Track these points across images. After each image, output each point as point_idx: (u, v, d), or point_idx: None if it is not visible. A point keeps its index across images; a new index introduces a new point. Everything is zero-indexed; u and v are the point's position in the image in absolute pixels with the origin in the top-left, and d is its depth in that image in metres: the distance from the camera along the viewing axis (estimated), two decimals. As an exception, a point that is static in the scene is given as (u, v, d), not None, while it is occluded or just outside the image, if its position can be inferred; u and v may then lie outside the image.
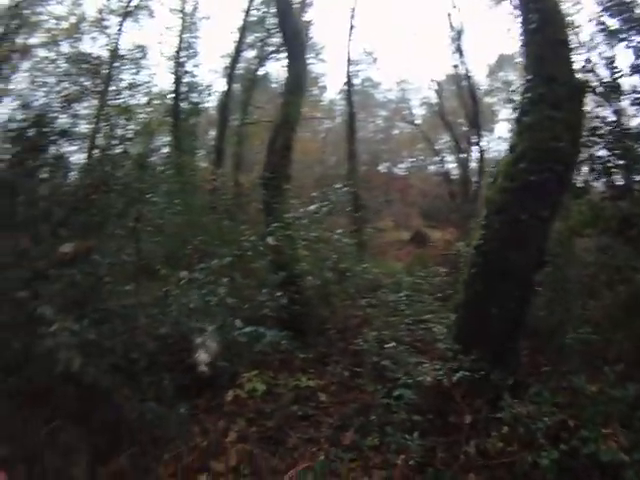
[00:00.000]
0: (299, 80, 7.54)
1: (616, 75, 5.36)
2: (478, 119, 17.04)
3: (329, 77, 32.87)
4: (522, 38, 4.76)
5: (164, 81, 19.87)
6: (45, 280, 3.74)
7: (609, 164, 5.14)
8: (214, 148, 14.90)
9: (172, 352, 4.39)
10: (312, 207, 6.41)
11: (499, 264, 4.19)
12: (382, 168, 25.16)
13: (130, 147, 6.01)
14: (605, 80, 5.41)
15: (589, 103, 5.28)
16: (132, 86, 15.39)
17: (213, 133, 16.97)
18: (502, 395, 3.57)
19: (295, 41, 7.88)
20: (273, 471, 3.58)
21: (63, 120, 5.32)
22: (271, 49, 16.66)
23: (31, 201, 4.54)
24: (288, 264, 5.72)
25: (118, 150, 5.68)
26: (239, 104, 16.24)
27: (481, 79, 21.72)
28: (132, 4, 15.57)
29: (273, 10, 15.38)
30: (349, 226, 7.13)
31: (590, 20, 6.22)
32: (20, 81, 16.55)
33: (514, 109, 5.02)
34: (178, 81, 14.74)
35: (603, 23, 5.83)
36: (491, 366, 3.75)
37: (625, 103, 5.37)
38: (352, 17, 16.67)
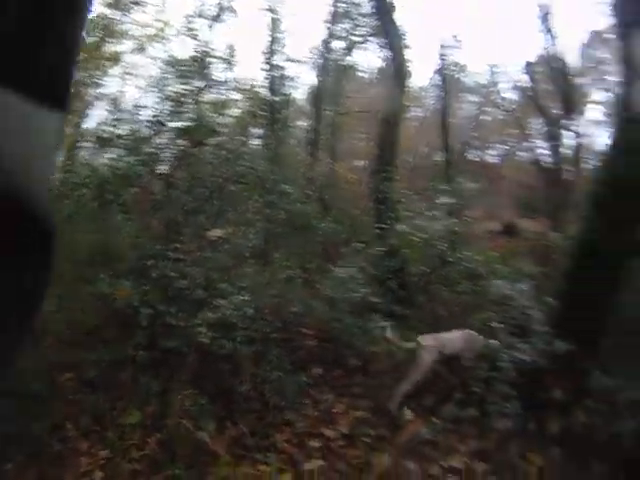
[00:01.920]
0: (401, 71, 7.65)
1: None
2: (571, 102, 16.39)
3: (414, 63, 32.41)
4: (617, 30, 4.82)
5: (255, 76, 20.89)
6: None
7: None
8: (309, 139, 15.44)
9: (288, 330, 4.86)
10: (441, 200, 6.69)
11: (596, 254, 4.43)
12: (473, 156, 24.72)
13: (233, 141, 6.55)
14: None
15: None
16: (225, 83, 16.42)
17: (304, 124, 17.53)
18: (591, 374, 3.83)
19: (393, 32, 7.96)
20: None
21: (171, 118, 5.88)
22: (358, 39, 16.97)
23: (165, 191, 5.12)
24: (399, 251, 6.05)
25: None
26: (330, 95, 16.67)
27: (573, 59, 20.47)
28: (217, 6, 16.52)
29: (356, 0, 15.75)
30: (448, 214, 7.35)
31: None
32: (113, 86, 18.59)
33: (608, 102, 5.07)
34: (269, 76, 15.40)
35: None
36: (582, 349, 3.97)
37: None
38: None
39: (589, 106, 20.89)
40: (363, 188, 7.68)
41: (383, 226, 6.04)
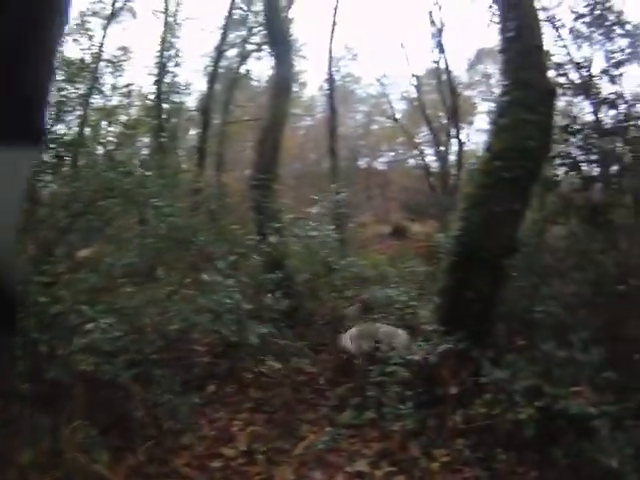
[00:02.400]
0: (286, 81, 7.74)
1: (586, 78, 5.84)
2: (457, 112, 17.51)
3: (309, 73, 33.08)
4: (500, 45, 5.14)
5: (147, 82, 19.93)
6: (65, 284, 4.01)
7: (578, 158, 5.59)
8: (196, 148, 15.03)
9: (176, 349, 4.69)
10: (315, 210, 6.73)
11: (475, 252, 4.62)
12: (362, 163, 25.51)
13: (116, 150, 6.20)
14: (576, 82, 5.88)
15: (561, 102, 5.75)
16: (115, 88, 15.39)
17: (194, 133, 17.09)
18: (483, 367, 3.93)
19: (282, 42, 8.00)
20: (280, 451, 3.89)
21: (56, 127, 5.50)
22: (252, 48, 16.82)
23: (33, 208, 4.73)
24: (282, 261, 6.06)
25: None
26: (220, 103, 16.37)
27: (461, 73, 22.05)
28: (115, 6, 15.52)
29: (255, 9, 15.63)
30: (332, 221, 7.45)
31: (563, 25, 6.62)
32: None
33: (491, 111, 5.45)
34: (160, 81, 14.76)
35: (576, 29, 6.31)
36: (472, 344, 4.10)
37: (594, 102, 5.83)
38: (335, 14, 16.92)
39: (477, 116, 22.59)
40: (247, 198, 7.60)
41: (262, 237, 6.00)
